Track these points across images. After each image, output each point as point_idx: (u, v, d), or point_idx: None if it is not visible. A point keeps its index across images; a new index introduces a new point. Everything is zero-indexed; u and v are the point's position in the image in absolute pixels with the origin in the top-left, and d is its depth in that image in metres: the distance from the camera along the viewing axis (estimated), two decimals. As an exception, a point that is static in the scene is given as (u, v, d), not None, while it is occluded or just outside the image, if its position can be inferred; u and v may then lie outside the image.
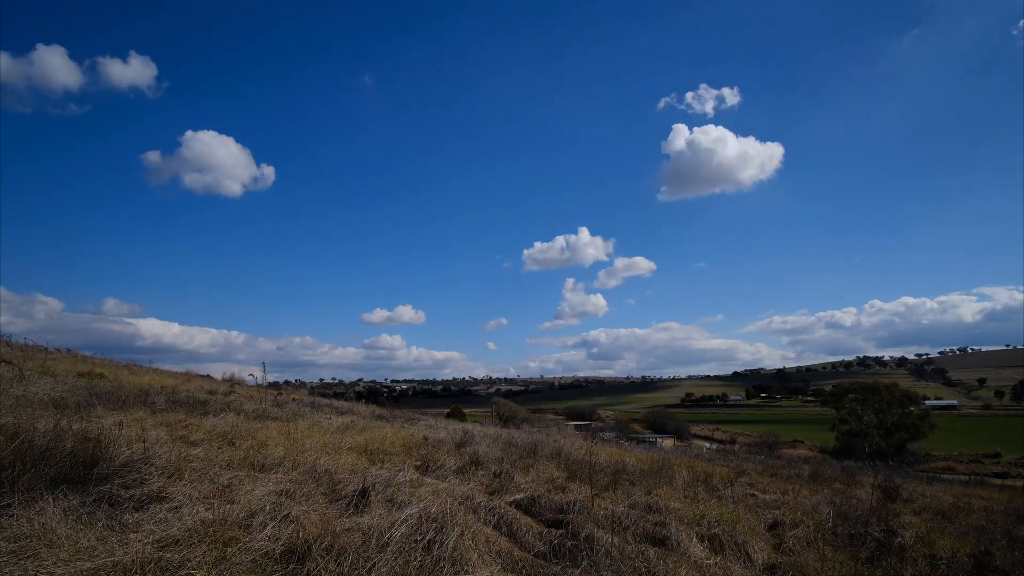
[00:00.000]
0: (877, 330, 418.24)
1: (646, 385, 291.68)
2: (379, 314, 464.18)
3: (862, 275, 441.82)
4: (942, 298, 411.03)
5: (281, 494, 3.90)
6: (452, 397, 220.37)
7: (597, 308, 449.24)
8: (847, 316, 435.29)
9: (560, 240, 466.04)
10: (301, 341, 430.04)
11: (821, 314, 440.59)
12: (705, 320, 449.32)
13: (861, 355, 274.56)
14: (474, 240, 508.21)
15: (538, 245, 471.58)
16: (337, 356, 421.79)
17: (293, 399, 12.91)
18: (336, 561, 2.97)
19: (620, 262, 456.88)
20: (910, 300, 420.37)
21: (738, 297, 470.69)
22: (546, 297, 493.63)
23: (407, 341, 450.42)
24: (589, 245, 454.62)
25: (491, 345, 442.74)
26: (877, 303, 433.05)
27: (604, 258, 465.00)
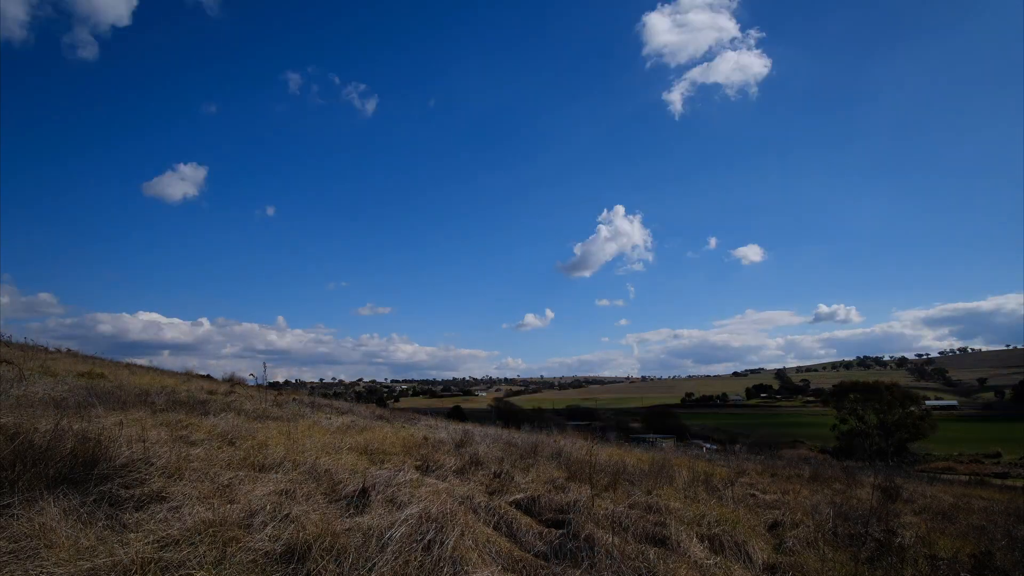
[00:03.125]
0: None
1: (646, 385, 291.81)
2: (380, 310, 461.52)
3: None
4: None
5: (281, 494, 3.90)
6: (452, 397, 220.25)
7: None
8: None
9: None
10: (312, 337, 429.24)
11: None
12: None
13: (861, 355, 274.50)
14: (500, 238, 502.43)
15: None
16: (339, 354, 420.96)
17: (293, 399, 12.92)
18: (336, 561, 2.97)
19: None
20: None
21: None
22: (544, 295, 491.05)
23: (413, 338, 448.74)
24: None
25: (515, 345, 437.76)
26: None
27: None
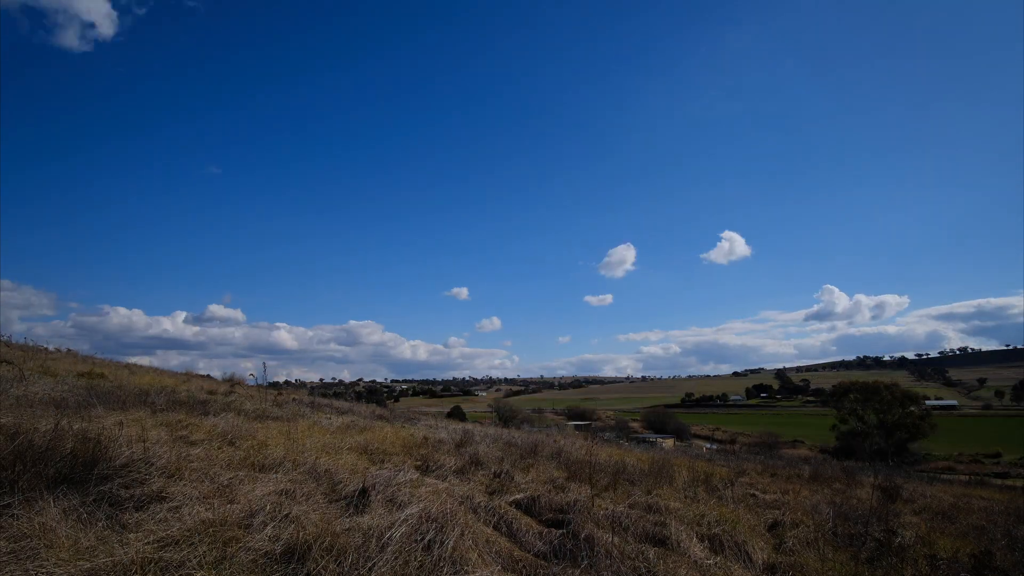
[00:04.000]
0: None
1: (646, 385, 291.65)
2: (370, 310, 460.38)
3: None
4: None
5: (281, 494, 3.90)
6: (452, 397, 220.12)
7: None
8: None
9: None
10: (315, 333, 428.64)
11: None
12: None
13: (861, 355, 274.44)
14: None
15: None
16: (340, 353, 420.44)
17: (293, 399, 12.93)
18: (336, 561, 2.96)
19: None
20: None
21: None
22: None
23: (414, 337, 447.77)
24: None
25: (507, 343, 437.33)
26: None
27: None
